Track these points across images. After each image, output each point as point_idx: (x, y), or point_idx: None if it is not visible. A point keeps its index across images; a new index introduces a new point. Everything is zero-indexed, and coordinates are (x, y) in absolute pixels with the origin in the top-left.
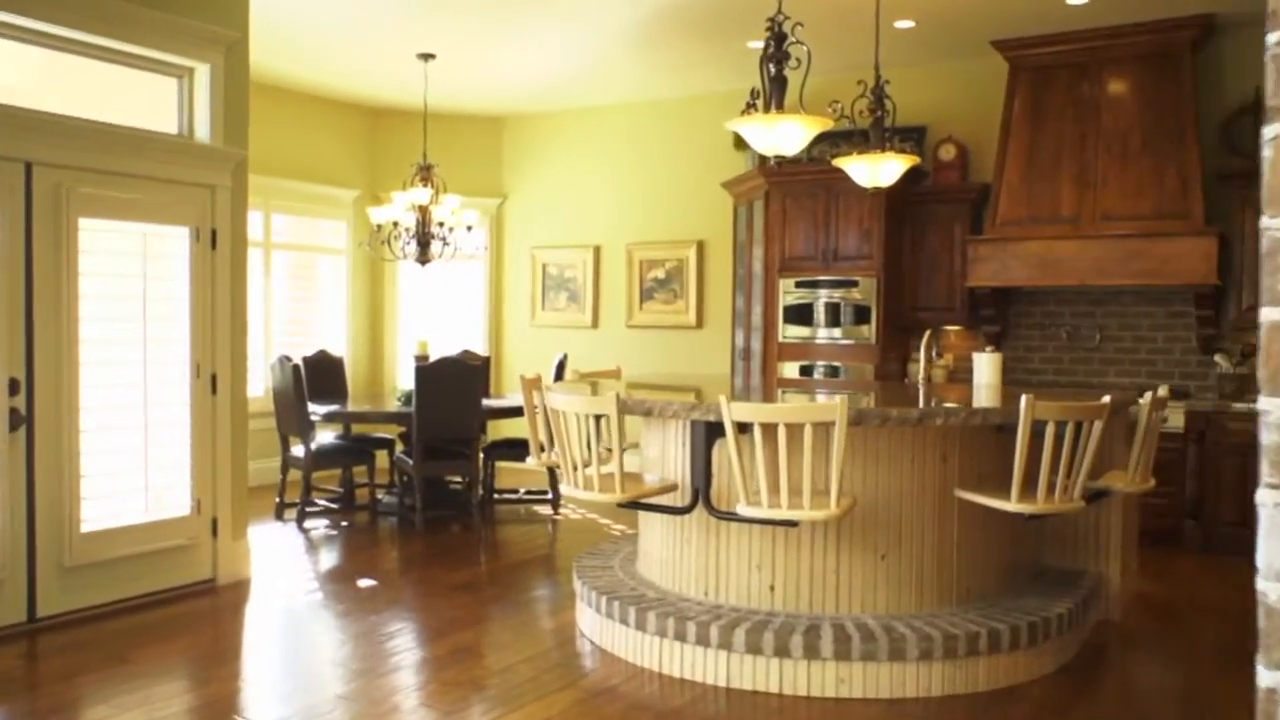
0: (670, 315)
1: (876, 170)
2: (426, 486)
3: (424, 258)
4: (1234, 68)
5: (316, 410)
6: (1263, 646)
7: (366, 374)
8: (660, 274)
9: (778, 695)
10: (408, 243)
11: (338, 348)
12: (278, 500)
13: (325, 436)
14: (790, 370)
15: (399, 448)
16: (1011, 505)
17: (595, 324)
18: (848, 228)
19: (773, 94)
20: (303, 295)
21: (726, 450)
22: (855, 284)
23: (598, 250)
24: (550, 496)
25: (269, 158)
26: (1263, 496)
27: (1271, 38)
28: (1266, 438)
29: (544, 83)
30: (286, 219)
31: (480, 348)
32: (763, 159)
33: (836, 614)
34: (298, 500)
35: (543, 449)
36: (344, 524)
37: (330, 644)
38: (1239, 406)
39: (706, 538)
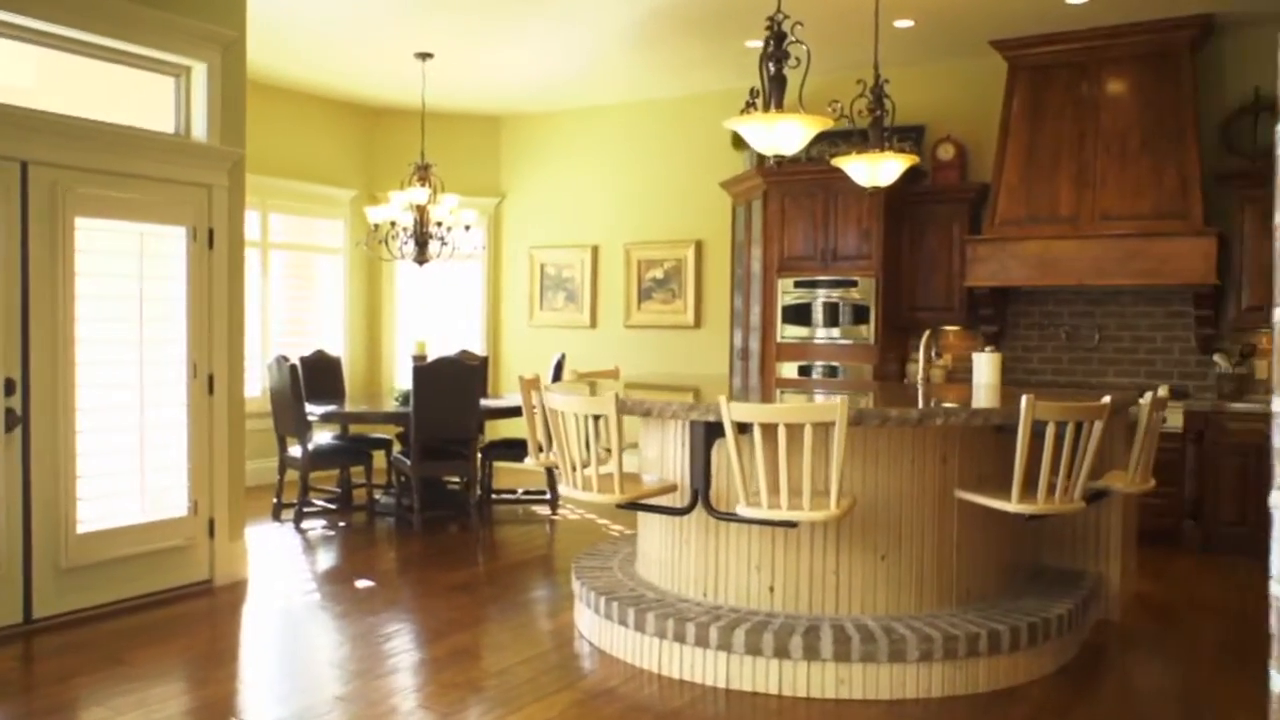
0: (668, 315)
1: (875, 170)
2: (424, 487)
3: (422, 257)
4: (1233, 67)
5: (314, 410)
6: (1276, 652)
7: (364, 374)
8: (658, 274)
9: (777, 696)
10: (405, 242)
11: (335, 348)
12: (275, 501)
13: (323, 437)
14: (789, 370)
15: (397, 448)
16: (1012, 506)
17: (593, 324)
18: (846, 228)
19: (772, 93)
20: (300, 295)
21: (726, 451)
22: (854, 284)
23: (596, 250)
24: (548, 497)
25: (266, 157)
26: (1275, 499)
27: None
28: (1279, 439)
29: (542, 82)
30: (284, 218)
31: (478, 348)
32: (761, 158)
33: (836, 615)
34: (295, 501)
35: (541, 449)
36: (341, 524)
37: (328, 645)
38: (1238, 406)
39: (706, 538)
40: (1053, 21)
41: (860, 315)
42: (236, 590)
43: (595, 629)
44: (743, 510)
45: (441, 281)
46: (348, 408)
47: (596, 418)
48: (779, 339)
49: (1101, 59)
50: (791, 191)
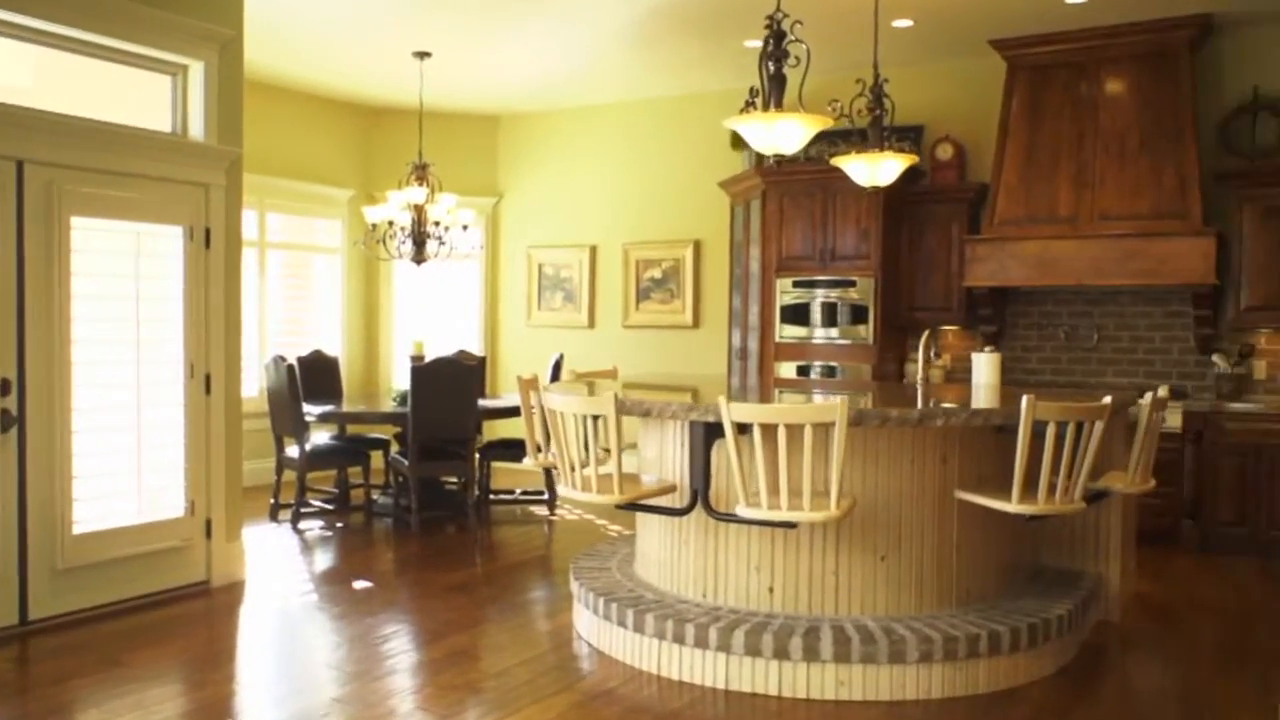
0: (667, 315)
1: (874, 169)
2: (422, 487)
3: (419, 257)
4: (1232, 67)
5: (311, 410)
6: None
7: (361, 374)
8: (657, 274)
9: (777, 698)
10: (403, 242)
11: (333, 347)
12: (272, 501)
13: (320, 437)
14: (787, 370)
15: (394, 448)
16: (1012, 506)
17: (591, 324)
18: (845, 227)
19: (772, 92)
20: (297, 295)
21: (725, 451)
22: (852, 284)
23: (594, 250)
24: (547, 497)
25: (263, 156)
26: None
27: None
28: None
29: (540, 81)
30: (281, 218)
31: (476, 348)
32: (760, 158)
33: (836, 616)
34: (292, 501)
35: (540, 450)
36: (339, 525)
37: (325, 647)
38: (1236, 406)
39: (705, 539)
40: (1052, 21)
41: (859, 315)
42: (233, 591)
43: (594, 630)
44: (742, 511)
45: (439, 281)
46: (345, 408)
47: (595, 418)
48: (777, 339)
49: (1100, 59)
50: (790, 191)
